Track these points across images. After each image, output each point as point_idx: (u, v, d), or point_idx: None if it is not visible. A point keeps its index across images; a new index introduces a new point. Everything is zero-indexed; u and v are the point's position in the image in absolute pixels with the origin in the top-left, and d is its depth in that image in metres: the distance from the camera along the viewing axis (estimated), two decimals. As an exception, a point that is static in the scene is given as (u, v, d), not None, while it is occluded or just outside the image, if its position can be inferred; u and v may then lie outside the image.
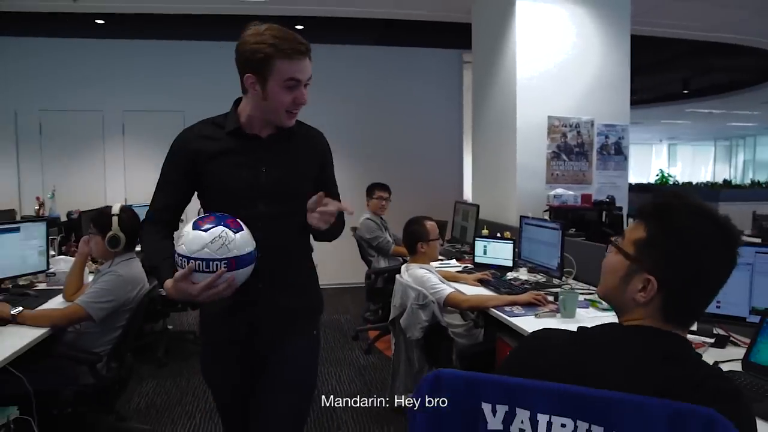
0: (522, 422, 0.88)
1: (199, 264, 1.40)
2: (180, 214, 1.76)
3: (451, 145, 7.35)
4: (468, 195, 6.59)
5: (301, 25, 6.00)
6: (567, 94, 4.65)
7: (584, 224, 4.07)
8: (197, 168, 1.66)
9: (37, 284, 3.40)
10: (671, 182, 19.67)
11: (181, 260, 1.42)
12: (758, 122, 16.61)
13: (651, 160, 23.67)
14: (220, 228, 1.42)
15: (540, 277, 3.38)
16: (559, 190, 4.30)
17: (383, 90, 7.18)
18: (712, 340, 2.20)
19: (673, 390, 0.86)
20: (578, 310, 2.64)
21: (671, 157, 23.99)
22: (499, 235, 4.01)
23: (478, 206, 4.73)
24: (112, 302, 2.62)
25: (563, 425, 0.84)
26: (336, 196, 1.77)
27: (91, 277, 3.09)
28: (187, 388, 3.80)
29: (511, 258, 3.70)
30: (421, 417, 0.92)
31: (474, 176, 5.62)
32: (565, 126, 4.62)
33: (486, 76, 5.21)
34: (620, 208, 4.25)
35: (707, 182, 19.16)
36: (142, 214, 2.00)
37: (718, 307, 2.23)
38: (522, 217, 3.69)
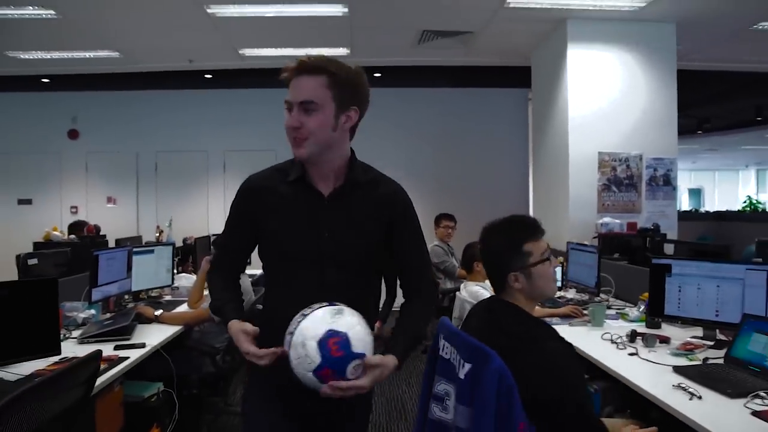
0: (444, 346, 1.56)
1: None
2: (245, 258, 1.70)
3: (518, 176, 7.83)
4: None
5: (379, 73, 6.79)
6: (616, 130, 5.11)
7: (630, 250, 4.48)
8: (256, 219, 1.56)
9: (164, 296, 4.23)
10: (760, 209, 18.97)
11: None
12: None
13: (738, 187, 22.96)
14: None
15: (583, 296, 3.85)
16: (606, 219, 4.75)
17: (456, 127, 7.83)
18: (712, 343, 2.64)
19: (506, 341, 1.50)
20: (608, 321, 3.13)
21: (760, 182, 23.12)
22: (551, 258, 4.49)
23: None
24: (229, 307, 3.36)
25: (451, 352, 1.51)
26: (413, 267, 1.64)
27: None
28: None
29: (560, 279, 4.19)
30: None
31: (534, 206, 6.12)
32: (615, 160, 5.08)
33: (543, 115, 5.75)
34: (664, 235, 4.62)
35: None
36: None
37: (717, 315, 2.68)
38: (568, 243, 4.19)
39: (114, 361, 2.48)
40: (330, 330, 1.27)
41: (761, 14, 5.06)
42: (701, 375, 2.17)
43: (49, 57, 6.22)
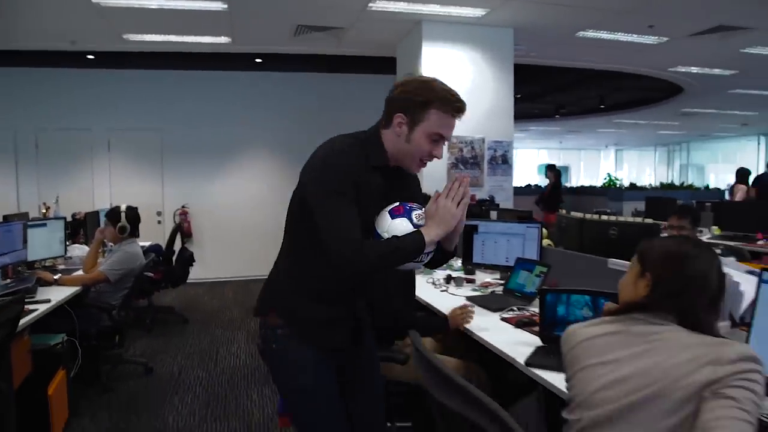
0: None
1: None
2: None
3: None
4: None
5: (259, 59, 7.33)
6: (464, 118, 5.99)
7: (470, 215, 5.41)
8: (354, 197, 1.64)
9: (57, 265, 4.62)
10: (618, 185, 21.20)
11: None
12: (684, 130, 18.41)
13: (599, 164, 25.54)
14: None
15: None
16: (451, 192, 5.67)
17: (332, 111, 8.30)
18: (503, 282, 3.55)
19: None
20: (438, 270, 3.99)
21: (618, 161, 25.86)
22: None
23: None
24: (122, 269, 3.90)
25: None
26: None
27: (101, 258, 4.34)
28: (167, 346, 5.06)
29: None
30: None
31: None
32: (462, 143, 6.02)
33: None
34: (497, 205, 5.62)
35: (647, 185, 20.78)
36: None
37: (506, 260, 3.61)
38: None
39: (25, 312, 2.98)
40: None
41: (582, 25, 6.15)
42: (482, 300, 3.07)
43: None
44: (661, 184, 19.68)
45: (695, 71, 8.56)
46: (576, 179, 24.89)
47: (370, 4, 5.37)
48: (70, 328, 3.53)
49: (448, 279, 3.62)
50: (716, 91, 10.27)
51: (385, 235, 1.60)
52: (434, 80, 1.70)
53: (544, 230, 3.65)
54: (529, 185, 18.20)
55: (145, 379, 4.24)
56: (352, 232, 1.58)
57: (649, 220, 3.35)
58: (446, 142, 1.71)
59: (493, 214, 4.88)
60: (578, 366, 1.42)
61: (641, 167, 25.62)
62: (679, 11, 5.63)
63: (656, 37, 6.59)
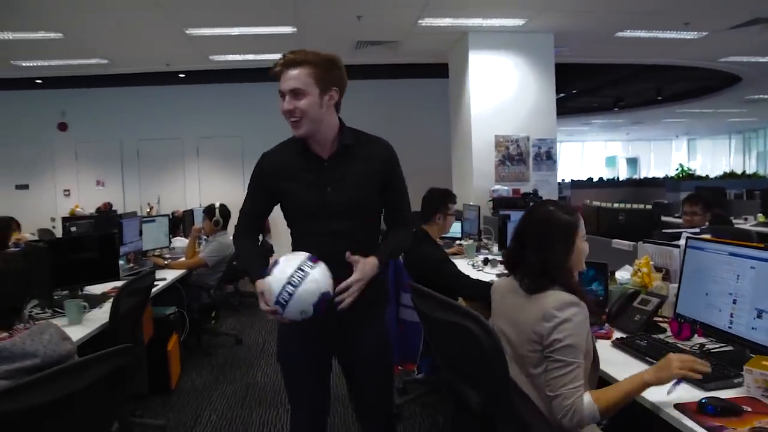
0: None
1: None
2: (263, 219, 2.07)
3: (442, 153, 8.45)
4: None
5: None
6: (508, 118, 6.63)
7: (517, 207, 6.00)
8: (273, 186, 1.92)
9: (164, 254, 5.58)
10: (691, 174, 20.66)
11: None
12: (756, 117, 17.91)
13: (671, 155, 24.97)
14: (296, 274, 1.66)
15: (468, 241, 5.36)
16: (497, 186, 6.30)
17: (392, 113, 8.98)
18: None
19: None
20: (478, 254, 4.63)
21: (691, 151, 25.19)
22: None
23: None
24: (218, 256, 4.79)
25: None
26: (398, 207, 2.03)
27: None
28: (252, 322, 5.96)
29: (460, 231, 5.67)
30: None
31: (454, 178, 7.61)
32: (508, 141, 6.62)
33: (455, 105, 7.25)
34: (541, 197, 6.17)
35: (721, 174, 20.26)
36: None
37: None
38: (464, 204, 5.68)
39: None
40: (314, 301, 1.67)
41: (619, 26, 6.58)
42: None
43: (46, 64, 7.40)
44: (724, 173, 19.20)
45: (747, 60, 8.70)
46: (647, 170, 24.47)
47: (419, 21, 6.06)
48: (179, 302, 4.44)
49: (486, 261, 4.27)
50: (776, 78, 10.25)
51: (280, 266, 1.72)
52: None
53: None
54: (590, 178, 18.26)
55: (236, 348, 5.14)
56: (242, 209, 2.02)
57: (648, 206, 3.88)
58: (291, 92, 1.80)
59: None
60: (493, 316, 1.89)
61: (716, 156, 24.77)
62: (709, 7, 5.96)
63: (695, 33, 6.91)
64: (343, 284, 1.73)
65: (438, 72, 8.27)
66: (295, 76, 1.78)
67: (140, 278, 3.15)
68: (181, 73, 8.26)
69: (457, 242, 5.21)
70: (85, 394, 1.45)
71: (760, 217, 6.72)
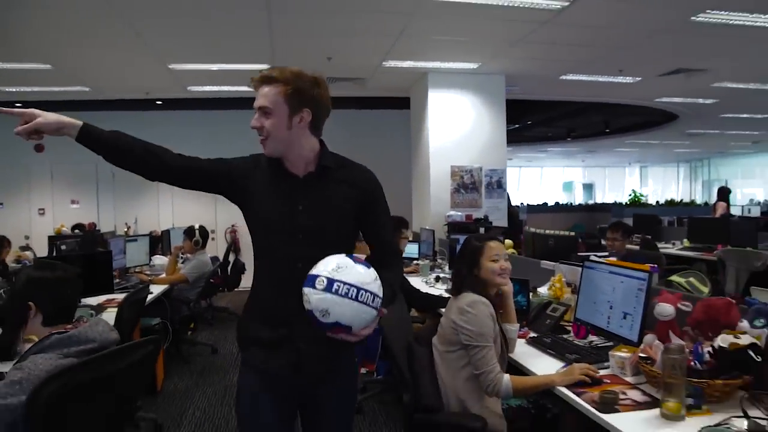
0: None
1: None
2: (186, 174, 1.81)
3: (404, 180, 9.19)
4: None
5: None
6: (464, 151, 7.33)
7: (468, 231, 6.66)
8: (240, 182, 1.78)
9: (144, 271, 6.04)
10: (642, 201, 21.89)
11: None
12: (700, 148, 19.21)
13: (624, 181, 26.30)
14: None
15: (425, 261, 5.97)
16: (451, 212, 6.95)
17: (360, 141, 9.48)
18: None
19: None
20: (432, 273, 5.25)
21: (643, 177, 26.58)
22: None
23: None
24: (197, 273, 5.29)
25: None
26: (384, 241, 1.88)
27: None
28: (226, 334, 6.42)
29: (417, 252, 6.28)
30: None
31: (413, 203, 8.25)
32: (463, 171, 7.29)
33: (416, 138, 7.92)
34: (491, 222, 6.86)
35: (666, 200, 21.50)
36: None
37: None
38: (421, 228, 6.31)
39: (139, 299, 4.36)
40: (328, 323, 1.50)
41: (562, 71, 7.37)
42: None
43: (29, 90, 7.79)
44: (666, 200, 20.51)
45: (680, 101, 9.64)
46: (602, 195, 25.67)
47: (384, 63, 6.73)
48: (162, 314, 4.91)
49: (437, 278, 4.88)
50: (708, 116, 11.25)
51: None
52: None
53: (507, 241, 4.89)
54: (545, 203, 19.22)
55: (212, 357, 5.61)
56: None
57: (572, 233, 4.56)
58: (262, 109, 1.71)
59: (482, 230, 6.13)
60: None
61: (666, 183, 26.24)
62: (637, 59, 6.78)
63: (630, 78, 7.76)
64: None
65: (401, 103, 8.93)
66: (264, 94, 1.70)
67: (138, 291, 3.66)
68: (159, 100, 8.74)
69: (414, 262, 5.83)
70: (125, 372, 1.97)
71: (686, 242, 7.53)
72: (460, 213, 7.00)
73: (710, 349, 2.03)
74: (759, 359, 1.92)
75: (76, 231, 6.82)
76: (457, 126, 7.34)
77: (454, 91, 7.36)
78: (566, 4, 4.88)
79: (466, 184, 7.32)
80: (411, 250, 6.24)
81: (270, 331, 1.75)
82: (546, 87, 8.34)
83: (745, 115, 11.27)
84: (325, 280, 1.50)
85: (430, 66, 6.97)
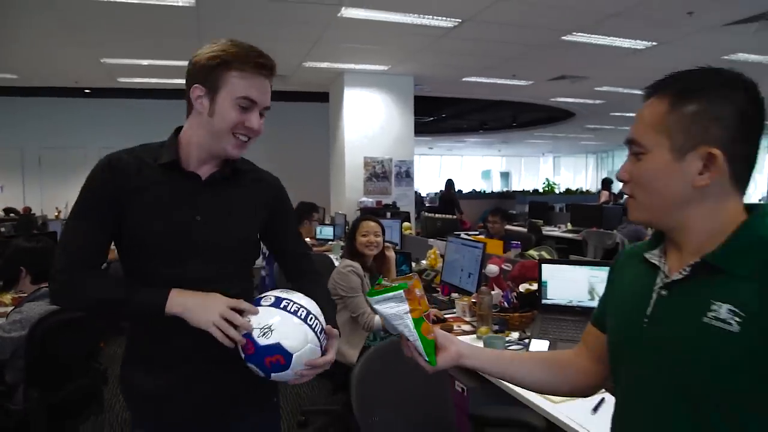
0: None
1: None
2: (104, 259, 1.33)
3: (322, 169, 9.83)
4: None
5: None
6: (376, 144, 8.16)
7: (379, 215, 7.50)
8: (122, 201, 1.32)
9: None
10: (556, 190, 23.44)
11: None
12: (604, 141, 20.98)
13: (539, 170, 28.03)
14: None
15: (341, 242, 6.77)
16: (363, 198, 7.80)
17: (282, 133, 10.34)
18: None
19: None
20: (343, 251, 6.07)
21: (556, 167, 28.44)
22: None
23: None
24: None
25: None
26: (300, 254, 1.63)
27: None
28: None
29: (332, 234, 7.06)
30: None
31: (331, 191, 9.04)
32: (375, 162, 8.14)
33: (333, 131, 8.70)
34: (398, 208, 7.75)
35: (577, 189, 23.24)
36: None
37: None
38: (336, 213, 7.10)
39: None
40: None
41: (464, 74, 8.31)
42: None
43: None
44: (567, 189, 22.20)
45: (572, 101, 10.85)
46: (518, 184, 27.24)
47: (304, 63, 7.44)
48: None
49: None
50: (601, 114, 12.60)
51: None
52: (230, 40, 1.35)
53: (406, 223, 5.76)
54: (460, 191, 20.44)
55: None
56: (66, 258, 1.28)
57: (455, 217, 5.50)
58: (264, 110, 1.39)
59: (388, 214, 7.00)
60: None
61: (577, 172, 28.17)
62: (527, 67, 7.82)
63: (524, 81, 8.81)
64: (320, 360, 1.31)
65: (321, 97, 9.65)
66: (269, 90, 1.41)
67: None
68: (87, 89, 9.07)
69: (329, 242, 6.63)
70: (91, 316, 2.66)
71: (569, 225, 8.70)
72: (371, 200, 7.85)
73: (515, 293, 2.95)
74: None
75: (12, 215, 7.18)
76: (370, 121, 8.16)
77: (368, 89, 8.16)
78: (457, 23, 5.76)
79: (377, 173, 8.16)
80: (327, 232, 7.04)
81: (153, 380, 1.40)
82: (452, 86, 9.27)
83: (631, 114, 12.54)
84: (273, 298, 1.30)
85: (345, 67, 7.74)
